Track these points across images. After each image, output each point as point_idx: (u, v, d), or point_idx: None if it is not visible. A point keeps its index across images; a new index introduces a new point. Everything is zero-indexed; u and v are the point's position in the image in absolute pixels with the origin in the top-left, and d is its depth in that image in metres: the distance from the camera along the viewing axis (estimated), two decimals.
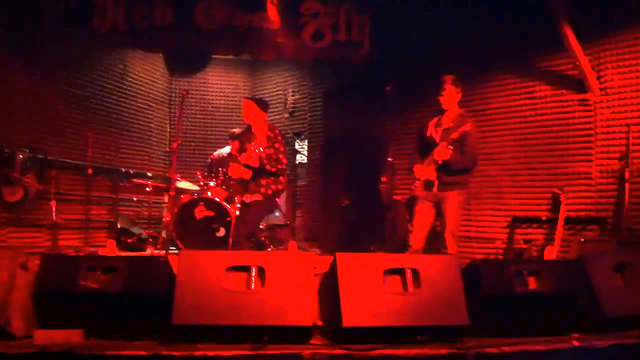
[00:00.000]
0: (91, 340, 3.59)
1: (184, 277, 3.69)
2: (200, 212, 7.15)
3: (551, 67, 7.12)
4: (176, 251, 6.84)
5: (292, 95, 10.51)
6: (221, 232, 7.07)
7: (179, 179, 7.77)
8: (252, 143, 5.83)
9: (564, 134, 6.97)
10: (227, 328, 3.60)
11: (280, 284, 3.75)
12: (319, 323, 3.91)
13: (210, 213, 7.13)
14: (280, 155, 5.81)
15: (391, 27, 8.08)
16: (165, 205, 8.35)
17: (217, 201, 7.16)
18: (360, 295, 3.72)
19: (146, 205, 8.69)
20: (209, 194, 7.35)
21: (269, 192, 5.80)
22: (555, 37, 6.67)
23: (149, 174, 9.09)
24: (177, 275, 3.70)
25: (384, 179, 7.32)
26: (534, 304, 4.07)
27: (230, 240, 6.21)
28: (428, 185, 5.44)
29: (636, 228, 6.26)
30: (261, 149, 5.76)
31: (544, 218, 6.94)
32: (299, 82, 10.50)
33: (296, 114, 10.46)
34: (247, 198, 5.83)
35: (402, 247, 6.16)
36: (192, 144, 10.50)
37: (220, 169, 7.77)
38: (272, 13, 7.58)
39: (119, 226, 8.22)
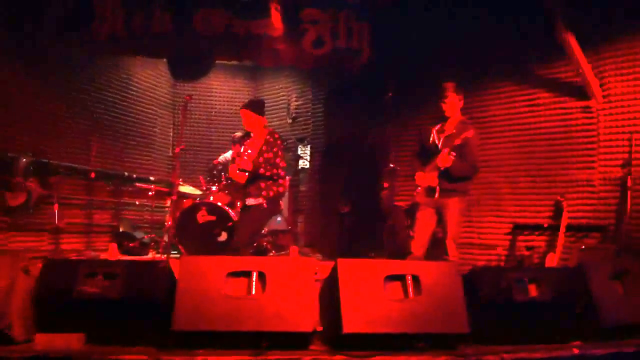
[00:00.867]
0: (91, 346, 3.59)
1: (185, 282, 3.69)
2: (202, 216, 7.16)
3: (553, 74, 7.12)
4: (178, 255, 6.85)
5: (296, 101, 10.52)
6: (223, 237, 7.08)
7: (181, 183, 7.79)
8: (248, 147, 5.86)
9: (566, 141, 6.97)
10: (227, 334, 3.60)
11: (281, 290, 3.74)
12: (319, 329, 3.91)
13: (212, 218, 7.14)
14: (278, 160, 5.78)
15: (391, 34, 8.10)
16: (167, 209, 8.36)
17: (219, 206, 7.17)
18: (360, 302, 3.72)
19: (148, 209, 8.70)
20: (211, 198, 7.36)
21: (270, 194, 5.79)
22: (556, 45, 6.68)
23: (152, 179, 9.10)
24: (178, 281, 3.70)
25: (385, 185, 7.33)
26: (533, 312, 4.06)
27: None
28: (429, 191, 5.44)
29: (637, 236, 6.24)
30: (249, 151, 5.76)
31: (545, 225, 6.93)
32: (302, 87, 10.51)
33: (299, 119, 10.47)
34: (249, 201, 5.84)
35: (402, 253, 6.16)
36: (195, 148, 10.51)
37: (223, 173, 7.79)
38: (276, 19, 7.60)
39: (121, 230, 8.24)
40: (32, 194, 7.08)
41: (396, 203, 7.64)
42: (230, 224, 7.09)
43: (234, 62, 10.14)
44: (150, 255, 7.44)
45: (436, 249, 5.64)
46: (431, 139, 5.54)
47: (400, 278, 3.90)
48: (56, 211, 7.31)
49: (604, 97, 6.69)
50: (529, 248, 6.97)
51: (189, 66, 10.54)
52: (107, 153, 8.81)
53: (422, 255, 5.44)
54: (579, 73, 6.73)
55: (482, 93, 7.70)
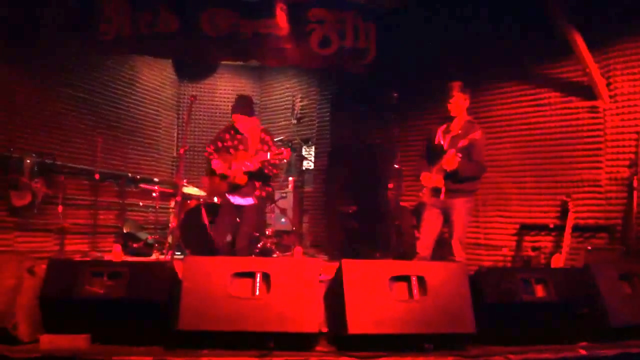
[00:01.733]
0: (97, 346, 3.59)
1: (189, 282, 3.69)
2: (207, 217, 7.14)
3: (559, 74, 7.10)
4: (182, 256, 6.83)
5: (300, 102, 10.52)
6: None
7: (185, 184, 7.79)
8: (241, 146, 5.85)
9: (573, 141, 6.94)
10: (232, 334, 3.59)
11: (286, 291, 3.74)
12: (325, 330, 3.91)
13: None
14: (274, 160, 5.73)
15: (397, 34, 8.09)
16: (171, 210, 8.36)
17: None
18: (366, 302, 3.71)
19: (153, 210, 8.70)
20: (215, 199, 7.35)
21: (263, 194, 5.82)
22: (563, 44, 6.65)
23: (156, 180, 9.11)
24: (183, 281, 3.70)
25: (390, 185, 7.31)
26: (540, 312, 4.05)
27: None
28: (435, 192, 5.40)
29: None
30: (246, 151, 5.76)
31: (552, 226, 6.90)
32: (307, 88, 10.51)
33: (304, 119, 10.47)
34: (243, 201, 5.80)
35: (408, 254, 6.14)
36: (200, 149, 10.50)
37: None
38: (282, 19, 7.60)
39: (125, 231, 8.24)
40: (37, 195, 7.10)
41: (402, 203, 7.62)
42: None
43: (239, 62, 10.14)
44: (155, 256, 7.43)
45: (442, 250, 5.63)
46: (437, 139, 5.52)
47: (406, 279, 3.88)
48: (61, 211, 7.33)
49: (610, 97, 6.67)
50: (535, 249, 6.94)
51: (194, 66, 10.59)
52: (111, 154, 8.82)
53: (428, 255, 5.42)
54: (585, 73, 6.70)
55: (488, 93, 7.69)
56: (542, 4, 6.63)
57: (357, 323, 3.63)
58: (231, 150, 5.94)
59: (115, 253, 7.14)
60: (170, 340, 3.57)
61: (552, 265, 6.45)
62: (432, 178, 5.41)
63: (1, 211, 6.98)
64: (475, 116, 6.00)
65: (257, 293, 3.72)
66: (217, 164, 5.93)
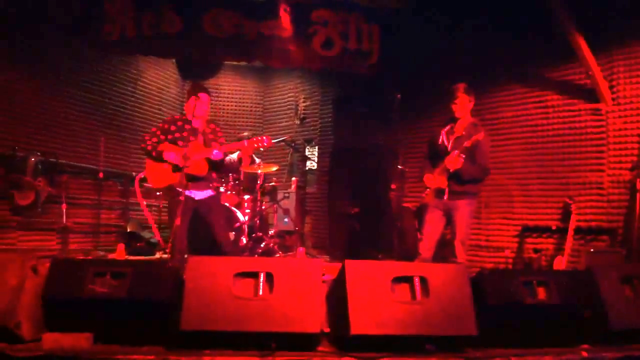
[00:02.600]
0: (99, 345, 3.60)
1: (192, 282, 3.69)
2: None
3: (563, 76, 7.11)
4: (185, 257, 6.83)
5: (304, 102, 10.53)
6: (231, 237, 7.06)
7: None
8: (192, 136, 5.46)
9: (575, 144, 6.95)
10: (235, 334, 3.59)
11: (289, 291, 3.73)
12: (327, 330, 3.91)
13: None
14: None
15: (401, 35, 8.10)
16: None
17: (226, 206, 7.15)
18: (368, 303, 3.71)
19: (156, 209, 8.71)
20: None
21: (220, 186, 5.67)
22: (566, 47, 6.65)
23: None
24: (185, 281, 3.70)
25: (393, 186, 7.31)
26: (542, 315, 4.03)
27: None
28: (439, 193, 5.41)
29: None
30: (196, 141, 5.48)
31: (554, 227, 6.91)
32: (310, 88, 10.53)
33: (307, 120, 10.48)
34: (199, 195, 5.57)
35: (410, 255, 6.14)
36: None
37: (230, 174, 7.78)
38: (285, 20, 7.62)
39: (128, 230, 8.25)
40: (40, 193, 7.11)
41: (405, 204, 7.62)
42: (237, 224, 7.09)
43: (243, 63, 10.16)
44: (157, 256, 7.43)
45: (444, 251, 5.63)
46: (440, 140, 5.52)
47: (408, 280, 3.88)
48: (64, 210, 7.34)
49: (613, 99, 6.67)
50: (537, 250, 6.95)
51: (198, 66, 10.61)
52: (115, 153, 8.84)
53: (430, 257, 5.42)
54: (588, 75, 6.71)
55: (492, 95, 7.70)
56: (546, 8, 6.63)
57: (360, 324, 3.63)
58: (179, 142, 5.47)
59: (118, 252, 7.16)
60: (173, 340, 3.57)
61: (554, 268, 6.45)
62: (435, 179, 5.41)
63: (5, 210, 7.00)
64: (478, 118, 6.00)
65: (260, 293, 3.73)
66: (171, 155, 5.41)
